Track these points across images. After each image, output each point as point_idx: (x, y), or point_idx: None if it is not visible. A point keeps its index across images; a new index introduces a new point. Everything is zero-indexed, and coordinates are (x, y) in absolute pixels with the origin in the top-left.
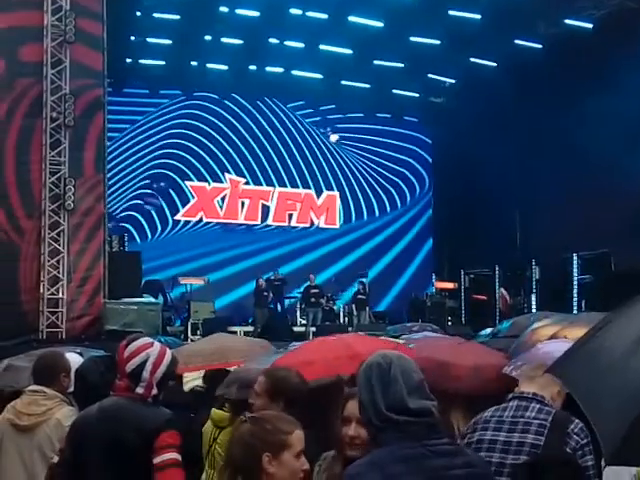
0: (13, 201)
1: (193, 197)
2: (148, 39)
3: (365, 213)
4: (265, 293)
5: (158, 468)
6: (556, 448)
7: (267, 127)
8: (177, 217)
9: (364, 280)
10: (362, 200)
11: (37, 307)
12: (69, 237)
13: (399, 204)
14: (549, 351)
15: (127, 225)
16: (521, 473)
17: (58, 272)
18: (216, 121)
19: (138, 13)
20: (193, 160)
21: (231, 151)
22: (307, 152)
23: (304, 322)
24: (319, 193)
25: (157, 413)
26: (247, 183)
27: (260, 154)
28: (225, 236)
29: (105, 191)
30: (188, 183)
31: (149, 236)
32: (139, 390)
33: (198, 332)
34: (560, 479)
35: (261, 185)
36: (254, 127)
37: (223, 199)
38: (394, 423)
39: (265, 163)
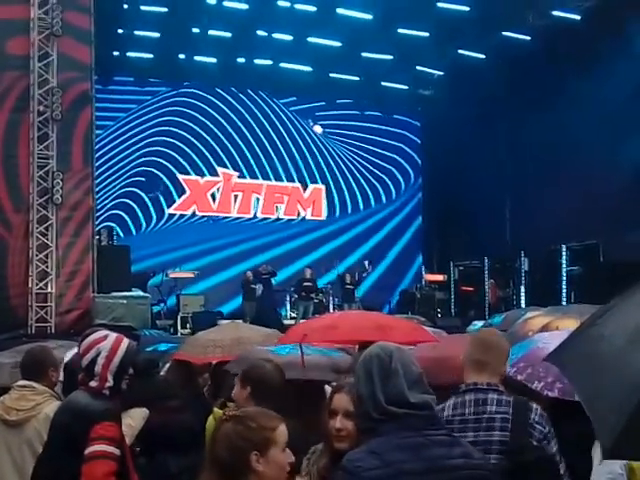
0: (0, 195)
1: (185, 191)
2: (136, 32)
3: (353, 206)
4: (253, 286)
5: (85, 459)
6: (524, 445)
7: (255, 120)
8: (170, 210)
9: (349, 270)
10: (351, 192)
11: (26, 302)
12: (57, 231)
13: (389, 196)
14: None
15: (119, 214)
16: (500, 476)
17: (46, 266)
18: (204, 114)
19: (125, 6)
20: (181, 153)
21: (219, 144)
22: (295, 144)
23: (294, 315)
24: (307, 185)
25: (99, 405)
26: (240, 176)
27: (249, 147)
28: (216, 230)
29: (93, 185)
30: (181, 177)
31: (139, 229)
32: (93, 384)
33: (188, 326)
34: (538, 474)
35: (247, 178)
36: (242, 120)
37: (217, 191)
38: (394, 416)
39: (254, 156)
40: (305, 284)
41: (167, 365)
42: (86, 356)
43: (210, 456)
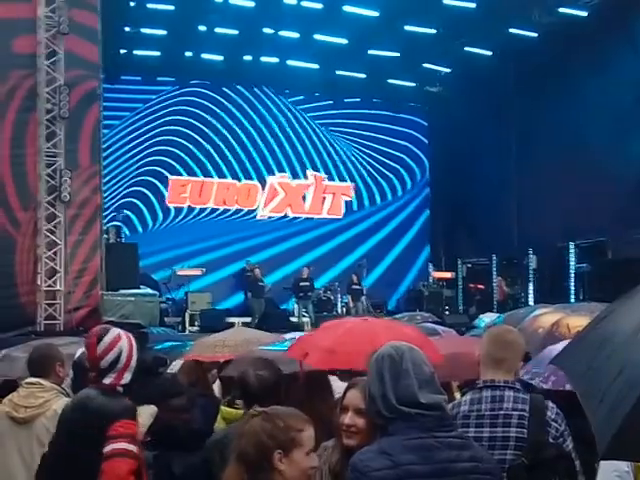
0: (9, 194)
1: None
2: (142, 30)
3: (360, 203)
4: (261, 284)
5: (106, 457)
6: (541, 442)
7: (261, 117)
8: (265, 212)
9: (357, 270)
10: (358, 190)
11: (34, 299)
12: (66, 229)
13: (396, 194)
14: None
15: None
16: (519, 473)
17: (55, 264)
18: (211, 112)
19: (132, 4)
20: (187, 150)
21: (226, 142)
22: (301, 141)
23: (300, 312)
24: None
25: (116, 402)
26: (246, 176)
27: (255, 144)
28: (221, 227)
29: (101, 182)
30: (273, 179)
31: (147, 227)
32: (107, 380)
33: (196, 323)
34: (555, 471)
35: (252, 179)
36: (248, 118)
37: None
38: (405, 414)
39: (259, 153)
40: (302, 284)
41: (174, 363)
42: (107, 357)
43: (236, 450)
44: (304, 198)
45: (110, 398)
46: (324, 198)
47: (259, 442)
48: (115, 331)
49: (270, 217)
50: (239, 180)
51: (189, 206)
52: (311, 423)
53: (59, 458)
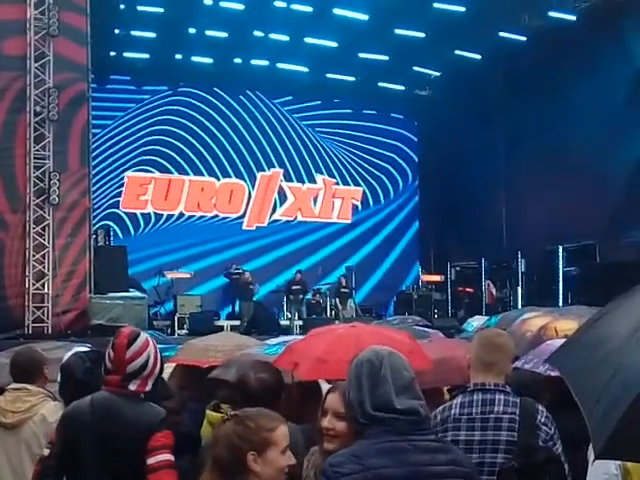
0: None
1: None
2: (132, 32)
3: (355, 208)
4: (251, 286)
5: (152, 469)
6: (531, 446)
7: (252, 120)
8: (275, 216)
9: (346, 273)
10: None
11: (23, 302)
12: (54, 232)
13: (386, 197)
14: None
15: (116, 215)
16: (509, 476)
17: (43, 267)
18: (201, 115)
19: (122, 6)
20: (178, 152)
21: (217, 145)
22: (293, 144)
23: (290, 316)
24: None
25: (152, 411)
26: (238, 176)
27: (247, 147)
28: (212, 231)
29: (90, 185)
30: (285, 184)
31: (136, 230)
32: (132, 387)
33: (185, 326)
34: (545, 475)
35: (234, 177)
36: (239, 120)
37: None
38: (379, 419)
39: (251, 155)
40: (293, 287)
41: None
42: (136, 361)
43: (210, 455)
44: (314, 202)
45: (142, 406)
46: (334, 203)
47: (231, 445)
48: (144, 335)
49: (258, 226)
50: (218, 179)
51: (153, 212)
52: (283, 421)
53: (70, 462)
